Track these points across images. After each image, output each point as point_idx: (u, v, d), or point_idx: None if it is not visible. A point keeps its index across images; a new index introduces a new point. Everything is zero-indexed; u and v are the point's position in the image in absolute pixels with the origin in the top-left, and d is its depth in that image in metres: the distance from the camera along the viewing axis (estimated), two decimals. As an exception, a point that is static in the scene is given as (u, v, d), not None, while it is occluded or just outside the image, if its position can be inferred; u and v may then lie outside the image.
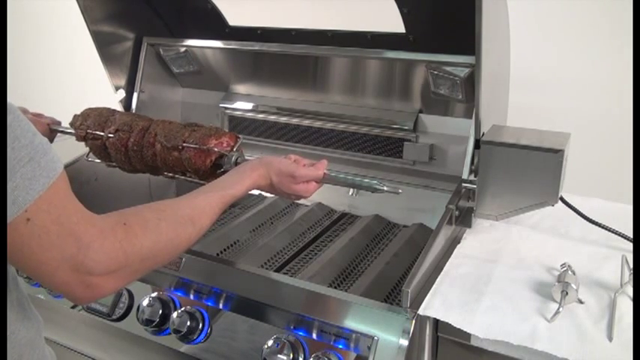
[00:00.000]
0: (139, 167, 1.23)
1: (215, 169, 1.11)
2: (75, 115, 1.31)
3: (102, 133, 1.24)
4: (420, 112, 1.36)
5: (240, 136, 1.14)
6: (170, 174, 1.22)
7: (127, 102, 1.60)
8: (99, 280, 0.62)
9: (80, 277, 0.60)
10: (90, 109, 1.32)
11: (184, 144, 1.11)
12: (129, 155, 1.21)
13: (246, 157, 1.10)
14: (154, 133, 1.17)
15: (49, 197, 0.58)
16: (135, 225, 0.68)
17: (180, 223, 0.75)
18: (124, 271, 0.65)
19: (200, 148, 1.08)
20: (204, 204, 0.80)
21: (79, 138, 1.29)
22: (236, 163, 1.07)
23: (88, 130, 1.26)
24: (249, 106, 1.59)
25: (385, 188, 1.00)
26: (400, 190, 1.00)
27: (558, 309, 0.88)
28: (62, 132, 1.32)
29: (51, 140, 1.24)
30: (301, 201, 1.25)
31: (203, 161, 1.09)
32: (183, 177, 1.21)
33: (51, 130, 1.30)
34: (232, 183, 0.89)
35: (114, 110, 1.31)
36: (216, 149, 1.08)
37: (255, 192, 1.12)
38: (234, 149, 1.10)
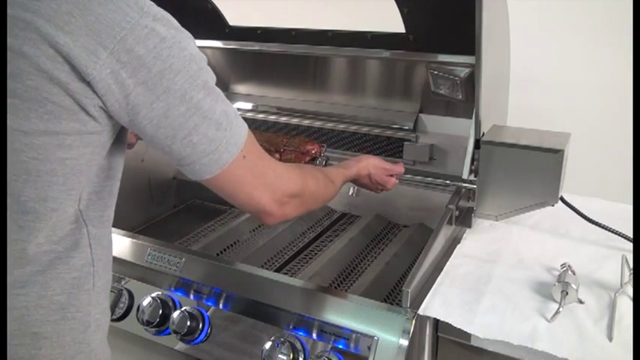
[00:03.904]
0: None
1: None
2: None
3: None
4: (420, 112, 1.36)
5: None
6: None
7: (127, 102, 1.60)
8: (288, 200, 0.82)
9: (276, 197, 0.79)
10: None
11: (285, 147, 1.32)
12: None
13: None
14: None
15: (250, 141, 0.75)
16: (305, 168, 0.94)
17: (329, 180, 0.99)
18: (300, 199, 0.85)
19: (300, 150, 1.32)
20: (335, 175, 1.03)
21: None
22: (324, 164, 1.31)
23: None
24: (249, 106, 1.59)
25: None
26: None
27: (558, 309, 0.88)
28: None
29: (133, 146, 1.18)
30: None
31: (300, 161, 1.32)
32: None
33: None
34: (346, 167, 1.11)
35: None
36: (313, 151, 1.32)
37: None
38: (322, 154, 1.34)
